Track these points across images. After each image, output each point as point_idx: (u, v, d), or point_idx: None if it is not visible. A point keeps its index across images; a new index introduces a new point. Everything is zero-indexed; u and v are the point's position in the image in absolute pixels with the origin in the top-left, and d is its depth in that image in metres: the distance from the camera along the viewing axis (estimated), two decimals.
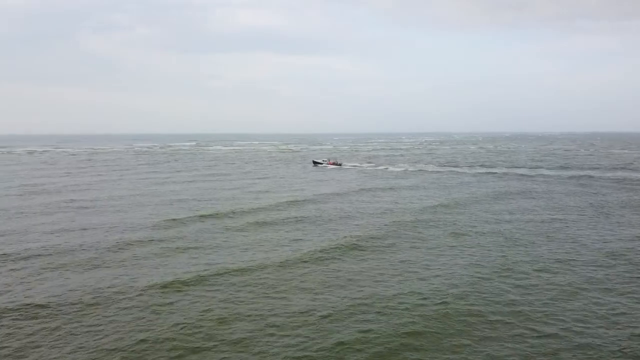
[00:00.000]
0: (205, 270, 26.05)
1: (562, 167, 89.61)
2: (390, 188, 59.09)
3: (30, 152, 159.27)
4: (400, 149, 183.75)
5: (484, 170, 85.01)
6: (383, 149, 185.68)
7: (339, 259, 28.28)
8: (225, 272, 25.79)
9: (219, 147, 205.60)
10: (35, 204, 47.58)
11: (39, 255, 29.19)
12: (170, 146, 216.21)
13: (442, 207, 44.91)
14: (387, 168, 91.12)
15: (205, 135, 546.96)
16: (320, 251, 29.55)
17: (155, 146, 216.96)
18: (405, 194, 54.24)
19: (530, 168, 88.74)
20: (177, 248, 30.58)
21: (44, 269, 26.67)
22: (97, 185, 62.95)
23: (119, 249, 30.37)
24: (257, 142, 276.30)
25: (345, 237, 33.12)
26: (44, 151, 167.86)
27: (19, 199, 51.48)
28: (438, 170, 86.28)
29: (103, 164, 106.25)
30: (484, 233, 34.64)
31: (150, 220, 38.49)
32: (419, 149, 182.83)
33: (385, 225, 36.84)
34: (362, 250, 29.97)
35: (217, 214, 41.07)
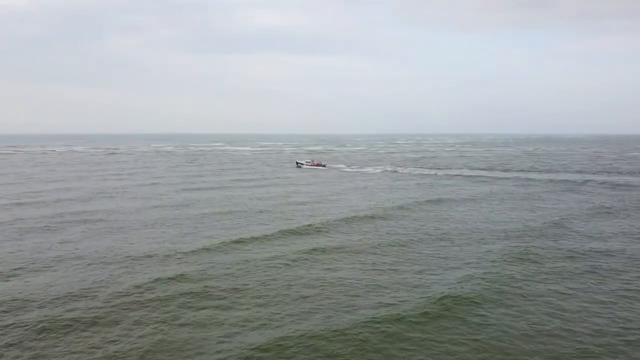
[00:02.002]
0: (268, 340, 16.99)
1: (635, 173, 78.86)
2: (458, 199, 49.37)
3: (46, 152, 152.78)
4: (427, 150, 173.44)
5: (550, 176, 74.53)
6: (413, 150, 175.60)
7: (462, 316, 18.97)
8: (302, 340, 16.80)
9: (244, 148, 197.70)
10: (34, 216, 39.09)
11: (18, 302, 20.45)
12: (192, 146, 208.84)
13: (552, 227, 35.22)
14: (431, 172, 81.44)
15: (215, 136, 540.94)
16: (427, 303, 20.22)
17: (178, 146, 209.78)
18: (485, 208, 44.20)
19: (598, 173, 78.03)
20: (217, 296, 21.42)
21: (16, 327, 17.86)
22: (111, 193, 54.46)
23: (130, 294, 21.44)
24: (281, 143, 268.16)
25: (450, 274, 23.74)
26: (68, 151, 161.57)
27: (20, 208, 43.14)
28: (495, 176, 76.01)
29: (121, 165, 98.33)
30: None
31: (176, 247, 29.42)
32: (449, 151, 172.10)
33: (495, 254, 27.39)
34: (490, 299, 20.52)
35: (259, 237, 31.64)
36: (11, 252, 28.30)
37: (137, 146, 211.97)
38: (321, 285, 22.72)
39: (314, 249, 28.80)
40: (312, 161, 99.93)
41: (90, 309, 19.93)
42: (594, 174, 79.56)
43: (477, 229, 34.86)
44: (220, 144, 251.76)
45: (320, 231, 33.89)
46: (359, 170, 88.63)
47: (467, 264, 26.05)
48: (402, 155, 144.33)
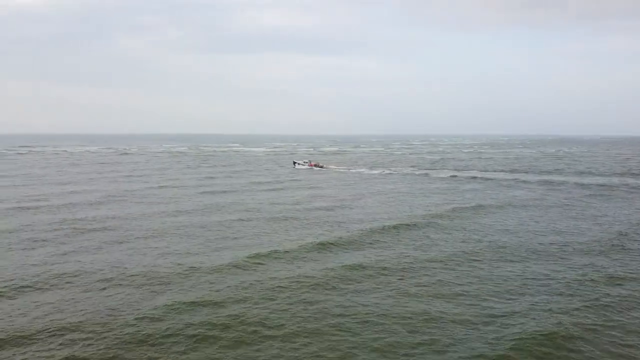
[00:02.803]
0: None
1: None
2: (491, 205, 45.54)
3: (58, 153, 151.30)
4: (445, 151, 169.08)
5: (582, 179, 70.36)
6: (430, 152, 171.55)
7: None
8: None
9: (258, 149, 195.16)
10: (36, 223, 36.28)
11: None
12: (205, 147, 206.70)
13: (610, 239, 31.57)
14: (453, 175, 77.55)
15: (227, 137, 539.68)
16: (491, 345, 16.87)
17: (190, 146, 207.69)
18: (524, 216, 40.40)
19: (630, 176, 73.63)
20: (233, 327, 18.13)
21: None
22: (120, 197, 51.61)
23: (132, 324, 18.33)
24: (295, 144, 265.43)
25: (513, 303, 20.19)
26: (79, 151, 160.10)
27: (23, 214, 40.39)
28: (522, 179, 71.99)
29: (132, 167, 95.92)
30: None
31: (186, 263, 26.34)
32: (467, 152, 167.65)
33: (559, 274, 23.92)
34: (576, 335, 16.98)
35: (278, 251, 28.27)
36: (1, 267, 25.39)
37: (149, 146, 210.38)
38: (352, 315, 19.42)
39: (340, 267, 25.50)
40: (310, 162, 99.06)
41: (84, 344, 16.86)
42: (625, 176, 75.48)
43: (527, 242, 31.20)
44: (236, 144, 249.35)
45: (345, 244, 30.55)
46: (378, 172, 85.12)
47: (530, 287, 22.48)
48: (420, 156, 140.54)
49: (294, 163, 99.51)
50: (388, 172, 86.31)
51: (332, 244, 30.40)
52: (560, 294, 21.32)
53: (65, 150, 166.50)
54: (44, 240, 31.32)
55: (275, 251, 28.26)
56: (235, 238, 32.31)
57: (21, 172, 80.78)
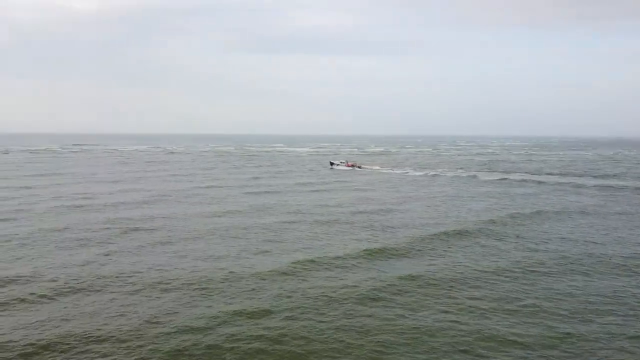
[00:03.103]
0: None
1: None
2: (552, 211, 42.84)
3: (108, 151, 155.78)
4: (494, 152, 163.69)
5: None
6: (478, 153, 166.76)
7: None
8: None
9: (301, 149, 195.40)
10: (82, 222, 36.54)
11: (26, 338, 17.06)
12: (250, 147, 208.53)
13: None
14: (506, 178, 74.37)
15: (268, 137, 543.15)
16: None
17: (236, 146, 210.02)
18: (590, 225, 37.79)
19: None
20: (279, 339, 17.18)
21: None
22: (166, 196, 51.81)
23: (171, 332, 17.56)
24: (338, 144, 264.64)
25: (612, 326, 18.24)
26: (128, 150, 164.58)
27: (71, 212, 40.92)
28: (581, 183, 68.20)
29: (179, 165, 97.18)
30: None
31: (228, 268, 25.65)
32: (517, 154, 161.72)
33: None
34: None
35: (323, 258, 27.26)
36: (44, 267, 25.32)
37: (195, 146, 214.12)
38: (399, 331, 18.07)
39: (387, 276, 24.16)
40: (347, 162, 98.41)
41: (119, 355, 16.22)
42: None
43: (590, 253, 28.62)
44: (280, 144, 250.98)
45: (392, 251, 29.05)
46: (424, 173, 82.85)
47: (598, 305, 20.20)
48: (468, 158, 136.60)
49: (331, 163, 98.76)
50: (434, 173, 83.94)
51: (378, 250, 29.02)
52: (636, 316, 19.22)
53: (116, 149, 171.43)
54: (88, 240, 31.34)
55: (319, 257, 27.15)
56: (278, 242, 31.41)
57: (73, 170, 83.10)
